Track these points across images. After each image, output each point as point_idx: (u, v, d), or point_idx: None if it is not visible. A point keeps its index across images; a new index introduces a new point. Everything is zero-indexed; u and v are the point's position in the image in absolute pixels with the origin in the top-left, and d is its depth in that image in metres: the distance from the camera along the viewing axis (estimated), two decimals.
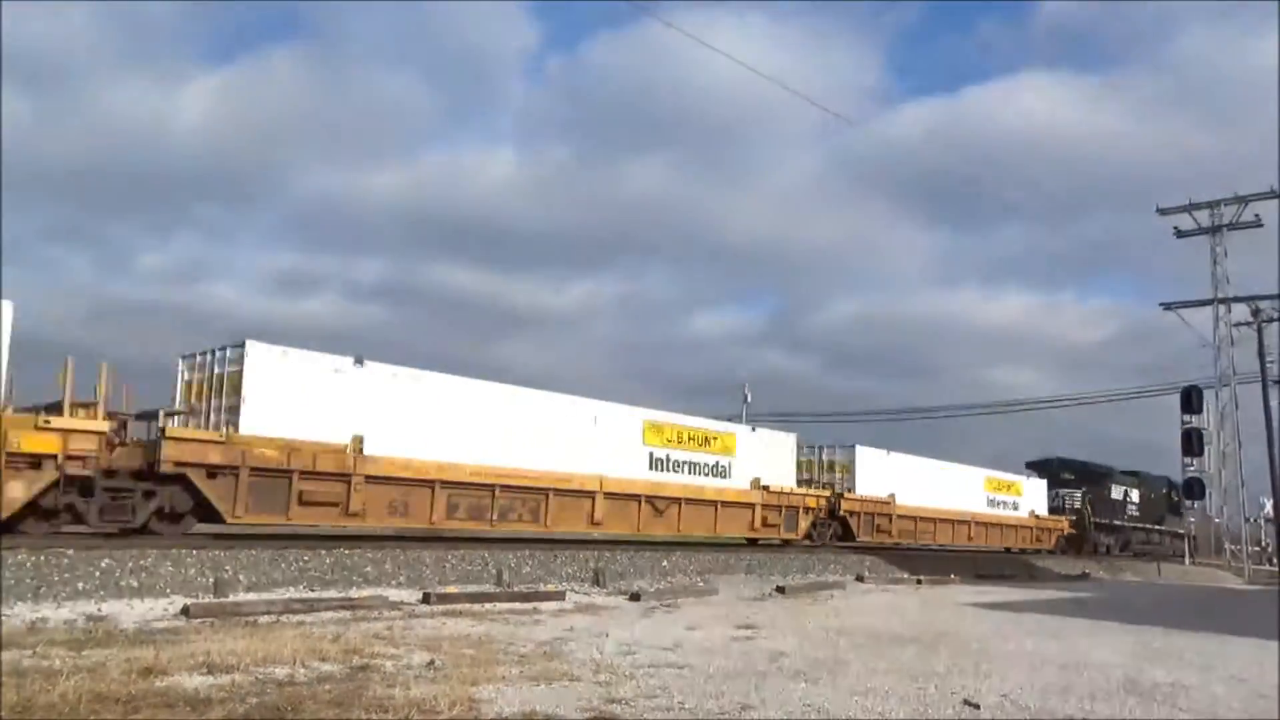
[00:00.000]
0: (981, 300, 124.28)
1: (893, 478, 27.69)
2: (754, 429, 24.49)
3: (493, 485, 17.08)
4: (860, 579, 20.80)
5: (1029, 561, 30.97)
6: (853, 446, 27.27)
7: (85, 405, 12.97)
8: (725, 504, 21.95)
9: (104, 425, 12.88)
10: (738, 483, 22.40)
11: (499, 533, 17.60)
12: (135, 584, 11.34)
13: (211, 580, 11.90)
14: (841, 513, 25.64)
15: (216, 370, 14.76)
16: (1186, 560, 41.95)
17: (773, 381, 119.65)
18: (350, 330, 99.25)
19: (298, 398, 14.72)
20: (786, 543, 23.73)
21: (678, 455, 21.17)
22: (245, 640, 8.03)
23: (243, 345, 14.38)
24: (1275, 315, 31.35)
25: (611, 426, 19.79)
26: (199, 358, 15.20)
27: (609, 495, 19.23)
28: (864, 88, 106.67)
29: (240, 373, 14.29)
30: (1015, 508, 33.97)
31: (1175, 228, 43.85)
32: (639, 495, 19.93)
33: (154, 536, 13.20)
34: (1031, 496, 35.22)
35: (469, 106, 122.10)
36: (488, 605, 12.27)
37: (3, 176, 78.90)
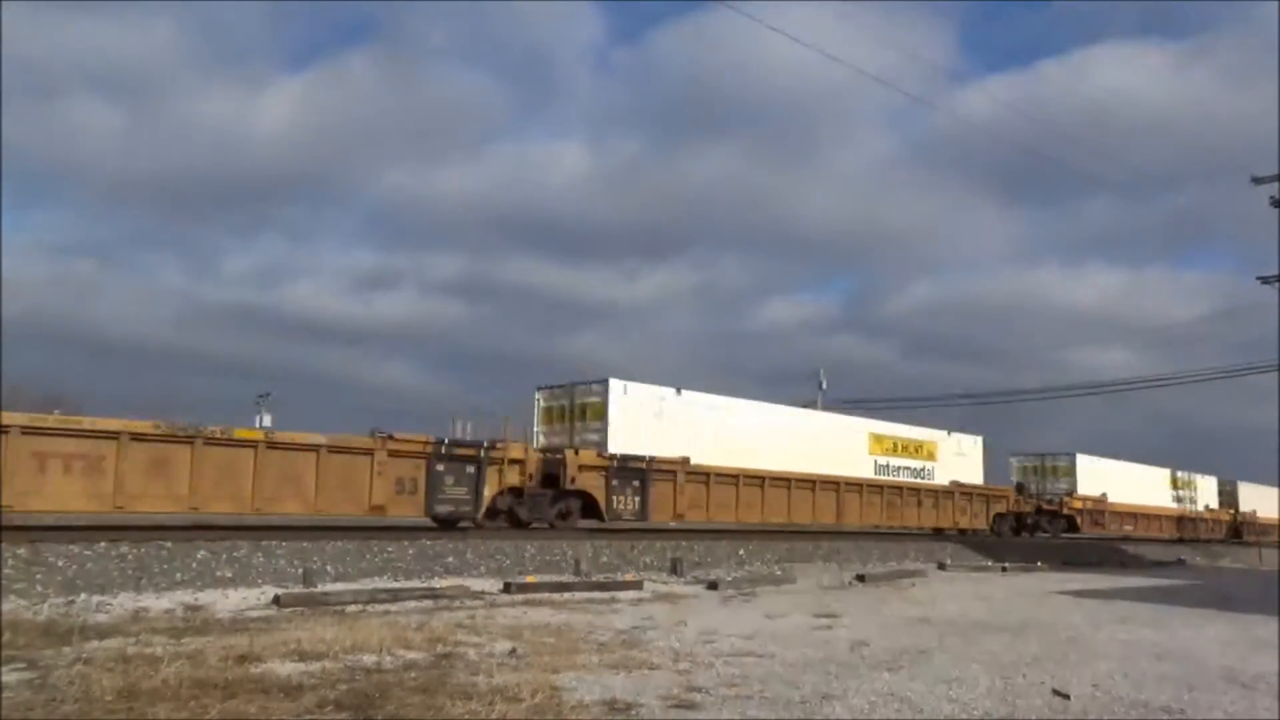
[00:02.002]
0: (1064, 278, 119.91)
1: (689, 431, 19.93)
2: None
3: None
4: (942, 566, 20.48)
5: (1119, 548, 30.02)
6: (605, 380, 19.31)
7: None
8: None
9: None
10: None
11: None
12: (229, 574, 11.78)
13: (301, 571, 12.29)
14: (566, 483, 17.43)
15: None
16: None
17: (850, 368, 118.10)
18: (427, 326, 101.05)
19: None
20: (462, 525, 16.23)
21: None
22: (334, 629, 8.26)
23: None
24: None
25: None
26: None
27: None
28: (937, 66, 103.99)
29: None
30: (927, 475, 26.43)
31: (1271, 197, 41.78)
32: None
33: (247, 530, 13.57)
34: (955, 461, 27.40)
35: (538, 101, 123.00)
36: (567, 595, 12.42)
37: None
